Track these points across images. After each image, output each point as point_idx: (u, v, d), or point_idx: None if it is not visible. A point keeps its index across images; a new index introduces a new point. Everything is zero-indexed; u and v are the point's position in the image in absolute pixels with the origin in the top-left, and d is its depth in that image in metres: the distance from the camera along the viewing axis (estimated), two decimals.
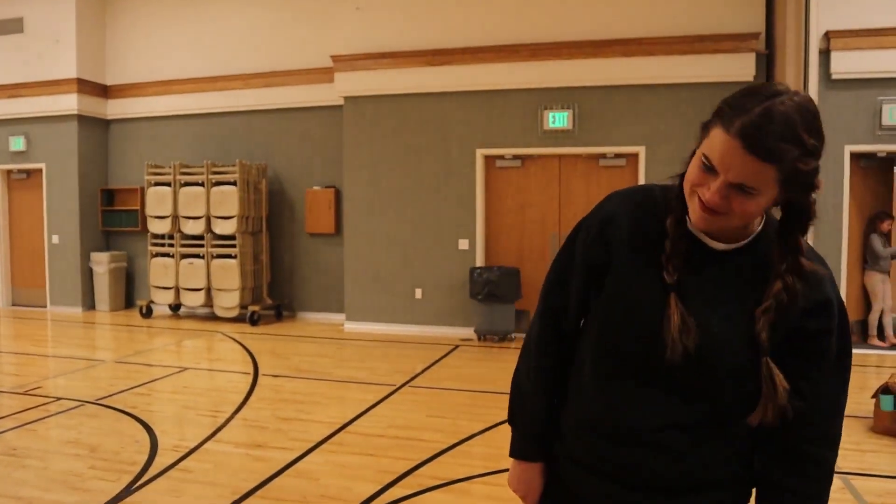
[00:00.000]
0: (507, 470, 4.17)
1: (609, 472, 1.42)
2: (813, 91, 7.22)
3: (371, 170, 9.21)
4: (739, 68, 7.87)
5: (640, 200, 1.46)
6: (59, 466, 4.30)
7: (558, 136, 8.54)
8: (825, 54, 7.57)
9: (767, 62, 7.94)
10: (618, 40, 8.20)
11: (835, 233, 7.76)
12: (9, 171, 11.43)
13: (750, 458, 1.42)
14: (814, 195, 1.28)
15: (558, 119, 8.47)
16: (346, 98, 9.27)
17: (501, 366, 7.29)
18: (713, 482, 1.39)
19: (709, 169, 1.26)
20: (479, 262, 8.87)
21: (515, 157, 8.82)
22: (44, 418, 5.32)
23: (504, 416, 5.18)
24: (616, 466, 1.41)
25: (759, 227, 1.37)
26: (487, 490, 3.97)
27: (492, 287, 8.23)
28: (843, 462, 4.41)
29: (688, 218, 1.37)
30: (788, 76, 7.32)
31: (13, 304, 11.57)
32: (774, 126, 1.18)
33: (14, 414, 5.41)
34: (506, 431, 4.99)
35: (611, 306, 1.42)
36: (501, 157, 8.87)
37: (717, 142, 1.24)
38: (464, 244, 8.91)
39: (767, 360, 1.30)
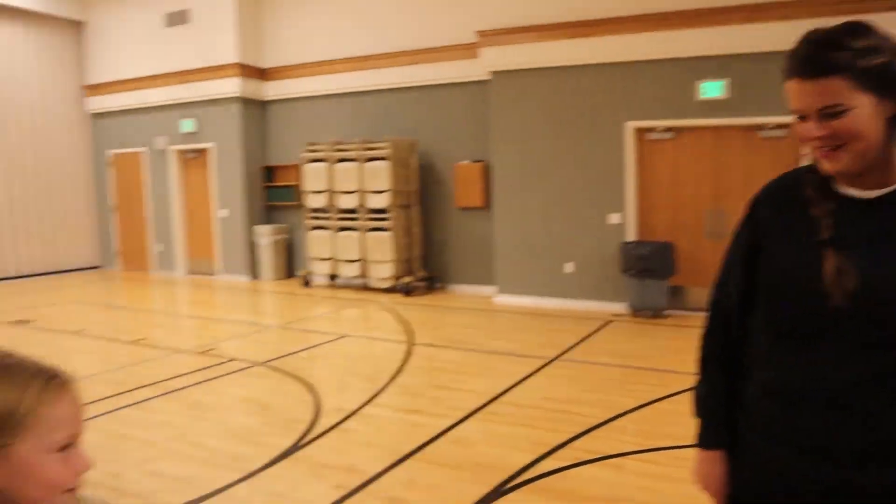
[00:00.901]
0: (661, 448, 4.11)
1: (790, 439, 1.36)
2: None
3: (519, 144, 9.18)
4: None
5: (782, 181, 1.50)
6: (235, 421, 4.65)
7: (713, 107, 8.13)
8: None
9: None
10: (776, 3, 7.67)
11: None
12: (182, 152, 12.32)
13: None
14: None
15: (712, 89, 8.06)
16: (492, 73, 9.27)
17: (655, 342, 7.11)
18: None
19: (801, 118, 1.33)
20: (631, 236, 8.66)
21: (667, 129, 8.51)
22: (220, 377, 5.76)
23: (659, 393, 5.11)
24: (797, 431, 1.34)
25: None
26: (642, 466, 3.91)
27: (644, 262, 8.03)
28: None
29: (831, 179, 1.39)
30: None
31: (189, 273, 12.53)
32: (812, 46, 1.30)
33: (195, 371, 5.89)
34: (660, 409, 4.89)
35: (770, 276, 1.42)
36: (652, 130, 8.58)
37: (789, 92, 1.33)
38: (615, 218, 8.72)
39: None
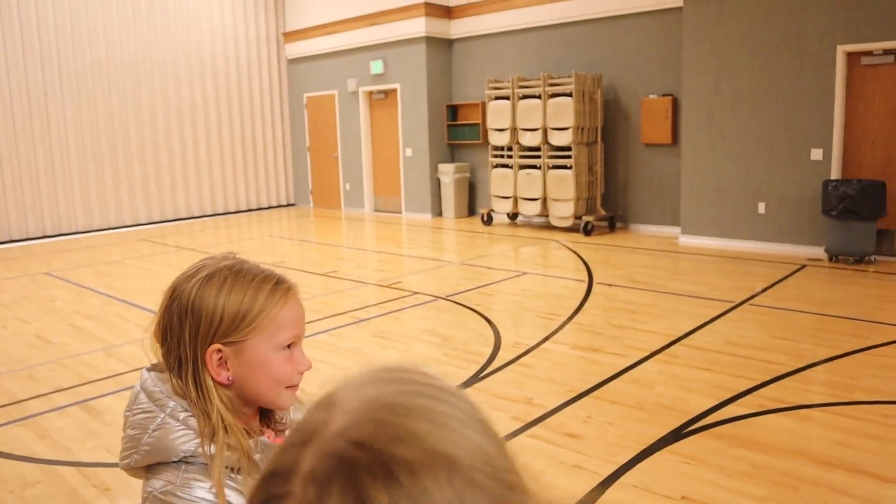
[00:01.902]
0: (855, 402, 3.83)
1: None
2: None
3: (712, 74, 8.64)
4: None
5: None
6: (418, 350, 4.88)
7: None
8: None
9: None
10: None
11: None
12: (370, 93, 12.78)
13: None
14: None
15: None
16: None
17: (856, 290, 6.56)
18: None
19: None
20: (835, 174, 7.94)
21: (887, 51, 7.63)
22: (404, 309, 6.05)
23: (856, 344, 4.76)
24: None
25: None
26: (831, 419, 3.67)
27: (849, 202, 7.36)
28: None
29: None
30: None
31: (375, 210, 13.12)
32: None
33: (381, 303, 6.22)
34: (857, 360, 4.56)
35: None
36: (869, 54, 7.73)
37: None
38: (816, 154, 8.04)
39: None
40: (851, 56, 7.82)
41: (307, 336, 5.11)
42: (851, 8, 7.65)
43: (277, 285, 1.11)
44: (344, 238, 10.72)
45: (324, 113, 13.64)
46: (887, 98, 7.71)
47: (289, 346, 1.11)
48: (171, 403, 1.06)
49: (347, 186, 13.41)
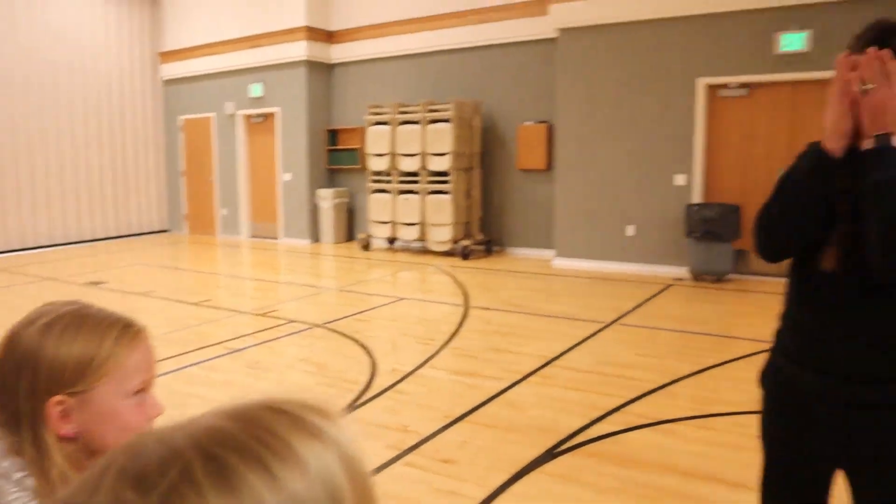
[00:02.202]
0: (716, 414, 4.02)
1: (810, 364, 1.62)
2: None
3: (585, 104, 8.99)
4: None
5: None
6: (292, 380, 4.75)
7: (792, 61, 7.77)
8: None
9: None
10: None
11: None
12: (249, 116, 12.51)
13: None
14: None
15: (794, 41, 7.69)
16: (560, 30, 9.06)
17: (717, 307, 6.95)
18: None
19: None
20: (697, 198, 8.42)
21: (741, 85, 8.18)
22: (280, 338, 5.88)
23: (717, 359, 5.00)
24: (816, 358, 1.61)
25: None
26: (693, 432, 3.83)
27: (709, 225, 7.80)
28: None
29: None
30: None
31: (252, 236, 12.80)
32: (886, 30, 1.49)
33: (256, 332, 6.03)
34: (717, 374, 4.78)
35: None
36: (725, 87, 8.27)
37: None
38: (680, 179, 8.49)
39: None
40: (710, 88, 8.34)
41: (177, 369, 4.89)
42: (709, 44, 8.17)
43: (125, 329, 1.05)
44: (219, 265, 10.37)
45: (200, 136, 13.23)
46: (742, 128, 8.26)
47: (139, 391, 1.05)
48: (5, 463, 0.96)
49: (224, 212, 13.03)
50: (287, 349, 5.59)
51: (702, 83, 8.29)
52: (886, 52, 1.42)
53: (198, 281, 8.97)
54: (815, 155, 1.50)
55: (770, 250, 1.64)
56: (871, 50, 1.42)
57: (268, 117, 12.29)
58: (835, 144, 1.46)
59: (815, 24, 7.59)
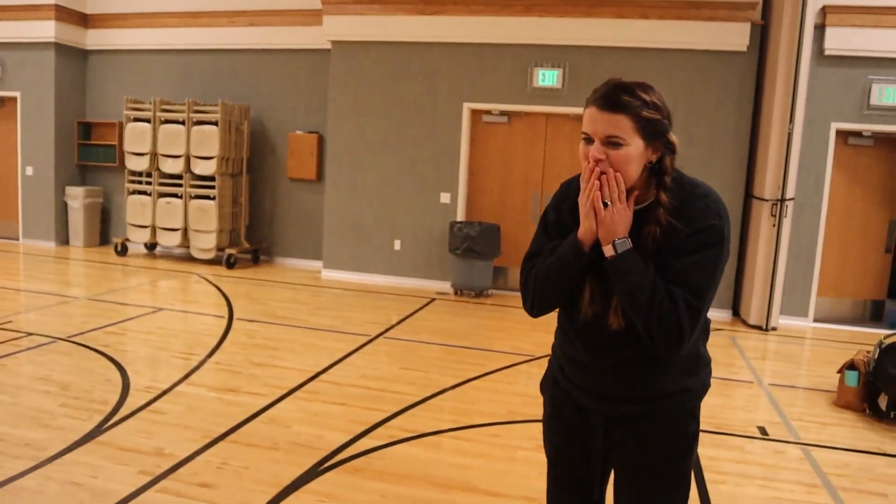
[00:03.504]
0: (476, 425, 4.25)
1: (578, 385, 1.95)
2: (804, 65, 7.19)
3: (356, 117, 9.09)
4: (734, 37, 7.80)
5: (570, 183, 1.96)
6: (29, 403, 4.28)
7: (547, 95, 8.45)
8: (820, 29, 7.53)
9: (762, 33, 7.87)
10: (613, 0, 8.08)
11: (814, 210, 7.83)
12: None
13: None
14: (669, 158, 1.73)
15: (548, 77, 8.37)
16: (333, 42, 9.09)
17: (476, 321, 7.34)
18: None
19: (587, 140, 1.73)
20: (460, 216, 8.85)
21: (502, 112, 8.74)
22: (14, 353, 5.28)
23: (476, 371, 5.27)
24: (583, 382, 1.93)
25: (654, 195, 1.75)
26: (457, 444, 4.02)
27: (471, 242, 8.23)
28: (804, 434, 4.52)
29: None
30: (782, 49, 7.27)
31: None
32: (616, 89, 1.68)
33: None
34: (477, 387, 5.07)
35: None
36: (488, 113, 8.79)
37: (586, 115, 1.72)
38: (445, 198, 8.87)
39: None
40: (475, 113, 8.81)
41: None
42: (475, 72, 8.64)
43: None
44: None
45: None
46: (502, 153, 8.82)
47: None
48: None
49: None
50: (23, 367, 5.03)
51: (467, 108, 8.74)
52: (619, 177, 1.69)
53: None
54: (574, 248, 1.78)
55: (536, 312, 1.95)
56: (611, 173, 1.69)
57: (6, 101, 11.01)
58: (587, 242, 1.77)
59: (567, 64, 8.32)
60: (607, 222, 1.70)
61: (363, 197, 9.12)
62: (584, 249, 1.77)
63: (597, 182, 1.69)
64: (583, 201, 1.74)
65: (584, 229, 1.77)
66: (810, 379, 5.94)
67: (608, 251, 1.71)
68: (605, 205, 1.70)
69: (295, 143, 9.81)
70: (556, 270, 1.83)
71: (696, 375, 1.89)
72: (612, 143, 1.68)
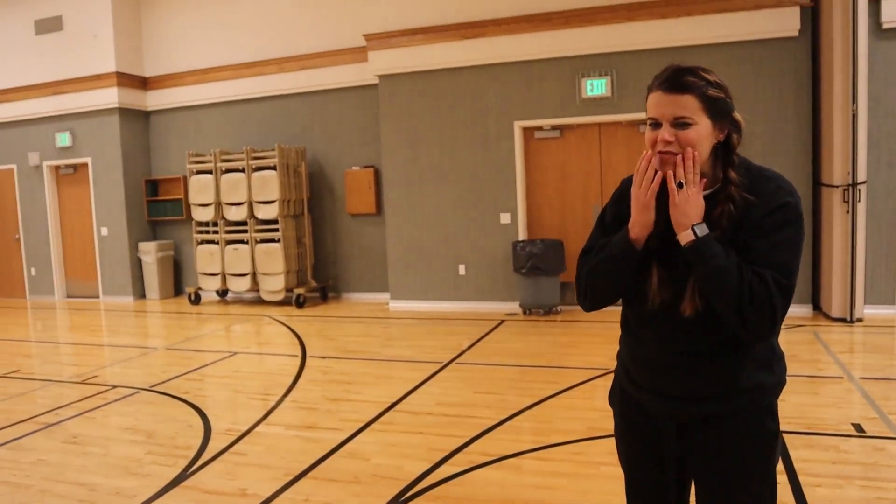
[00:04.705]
0: (556, 444, 4.17)
1: (648, 387, 1.89)
2: (862, 42, 6.93)
3: (409, 147, 9.17)
4: (783, 23, 7.59)
5: (629, 183, 1.86)
6: (118, 452, 4.41)
7: (597, 104, 8.37)
8: (875, 2, 7.25)
9: (812, 15, 7.64)
10: (653, 2, 7.98)
11: (890, 191, 7.49)
12: (57, 167, 11.67)
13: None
14: (735, 136, 1.73)
15: (596, 87, 8.30)
16: (380, 76, 9.23)
17: (548, 339, 7.25)
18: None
19: (655, 126, 1.71)
20: (522, 235, 8.80)
21: (554, 127, 8.69)
22: (102, 406, 5.46)
23: (552, 389, 5.19)
24: (653, 382, 1.87)
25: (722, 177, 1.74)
26: (538, 465, 3.95)
27: (535, 260, 8.16)
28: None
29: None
30: (836, 27, 7.02)
31: (68, 296, 11.88)
32: (680, 71, 1.68)
33: (74, 403, 5.56)
34: (554, 405, 4.98)
35: None
36: (540, 129, 8.75)
37: (650, 101, 1.72)
38: (505, 218, 8.84)
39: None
40: (527, 130, 8.79)
41: None
42: (522, 91, 8.63)
43: None
44: (29, 330, 9.52)
45: (1, 190, 12.15)
46: (557, 167, 8.75)
47: None
48: None
49: (33, 272, 12.00)
50: (110, 418, 5.19)
51: (518, 126, 8.72)
52: (697, 155, 1.65)
53: (2, 350, 8.17)
54: (623, 244, 1.75)
55: (588, 306, 1.91)
56: (689, 151, 1.65)
57: (79, 168, 11.52)
58: (638, 235, 1.73)
59: (614, 71, 8.23)
60: (682, 206, 1.65)
61: (423, 225, 9.17)
62: (633, 246, 1.74)
63: (664, 168, 1.67)
64: (639, 193, 1.71)
65: (636, 222, 1.73)
66: None
67: (686, 237, 1.66)
68: (680, 185, 1.65)
69: (352, 178, 9.96)
70: (607, 266, 1.80)
71: (771, 371, 1.81)
72: (681, 123, 1.66)
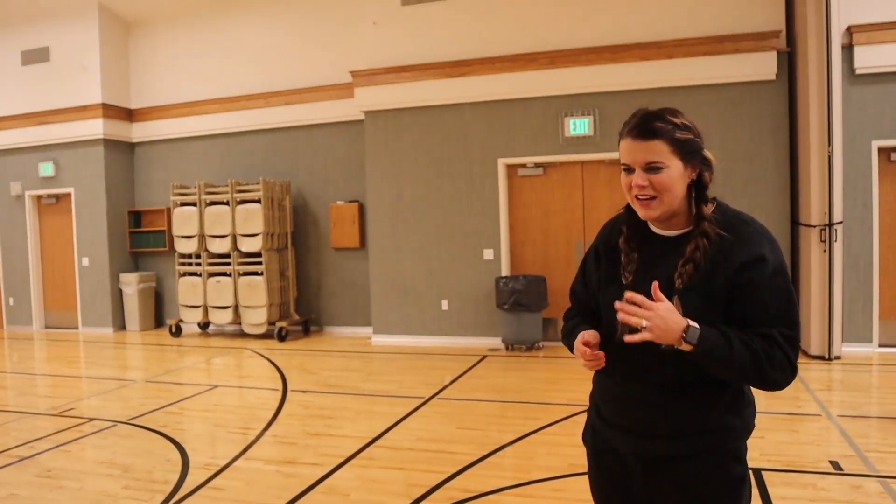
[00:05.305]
0: (537, 481, 4.16)
1: (618, 424, 1.90)
2: (836, 86, 7.11)
3: (394, 183, 9.23)
4: (761, 67, 7.78)
5: (612, 223, 1.98)
6: (93, 487, 4.34)
7: (580, 143, 8.49)
8: (848, 49, 7.46)
9: (789, 60, 7.84)
10: (636, 44, 8.16)
11: (865, 231, 7.63)
12: (39, 197, 11.63)
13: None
14: (707, 174, 1.77)
15: (579, 125, 8.43)
16: (366, 112, 9.32)
17: (530, 375, 7.25)
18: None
19: (628, 171, 1.77)
20: (505, 271, 8.84)
21: (537, 164, 8.80)
22: (77, 439, 5.39)
23: (533, 426, 5.18)
24: (623, 420, 1.88)
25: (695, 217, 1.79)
26: (519, 501, 3.93)
27: (518, 296, 8.20)
28: (882, 465, 4.32)
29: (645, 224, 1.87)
30: (811, 73, 7.22)
31: (46, 327, 11.74)
32: (648, 117, 1.74)
33: (49, 435, 5.48)
34: (536, 441, 4.96)
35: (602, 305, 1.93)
36: (523, 166, 8.85)
37: (622, 148, 1.78)
38: (489, 254, 8.89)
39: (675, 297, 1.69)
40: (510, 167, 8.88)
41: None
42: (506, 129, 8.75)
43: None
44: (5, 361, 9.38)
45: None
46: (539, 204, 8.84)
47: None
48: None
49: (11, 301, 11.87)
50: (86, 452, 5.12)
51: (502, 163, 8.82)
52: (639, 297, 1.64)
53: None
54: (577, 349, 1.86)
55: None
56: (618, 304, 1.67)
57: (61, 198, 11.48)
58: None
59: (597, 110, 8.37)
60: (661, 328, 1.61)
61: (407, 260, 9.20)
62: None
63: (590, 355, 1.81)
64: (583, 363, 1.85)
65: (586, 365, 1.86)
66: (882, 407, 5.71)
67: (684, 347, 1.63)
68: (642, 328, 1.62)
69: (336, 213, 9.99)
70: (570, 347, 1.94)
71: (740, 415, 1.80)
72: (652, 168, 1.72)
